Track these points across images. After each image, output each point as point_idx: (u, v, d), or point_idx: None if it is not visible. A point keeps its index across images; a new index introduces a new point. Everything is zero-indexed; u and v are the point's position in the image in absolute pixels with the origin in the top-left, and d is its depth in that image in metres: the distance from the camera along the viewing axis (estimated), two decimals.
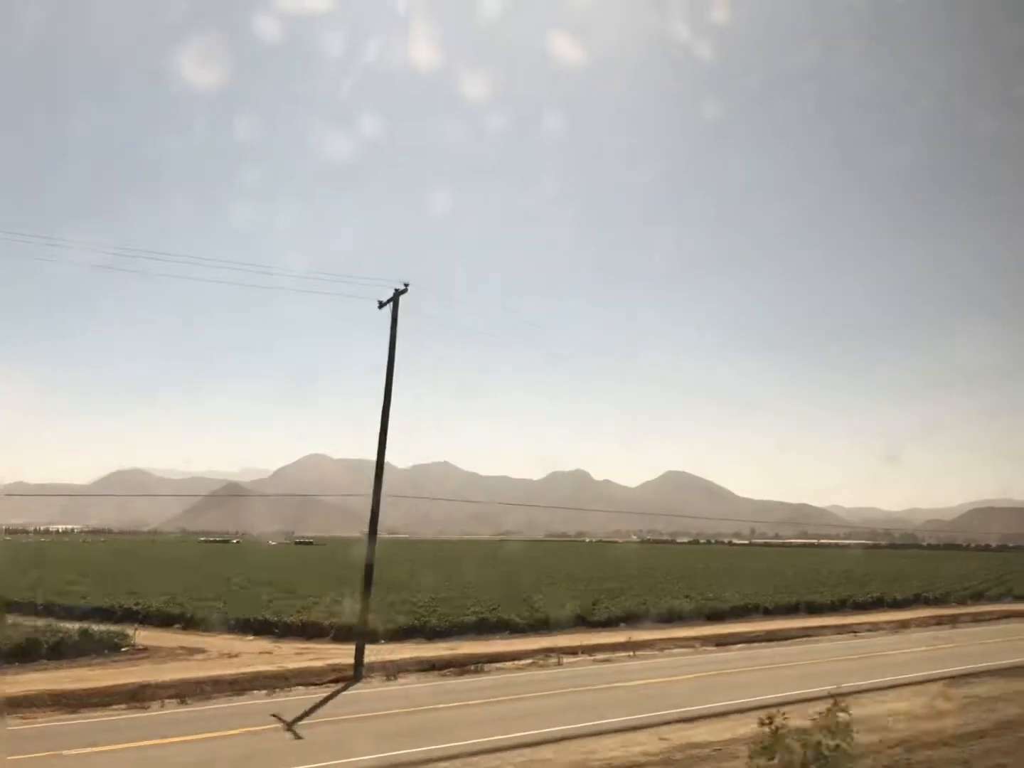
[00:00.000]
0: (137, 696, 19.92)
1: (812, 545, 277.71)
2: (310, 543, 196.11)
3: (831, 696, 10.65)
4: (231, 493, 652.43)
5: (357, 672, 23.28)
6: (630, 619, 36.39)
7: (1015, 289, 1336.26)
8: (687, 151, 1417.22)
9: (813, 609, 43.76)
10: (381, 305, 25.52)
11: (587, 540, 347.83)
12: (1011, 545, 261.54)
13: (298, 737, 16.67)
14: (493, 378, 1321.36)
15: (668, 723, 17.37)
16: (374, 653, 25.13)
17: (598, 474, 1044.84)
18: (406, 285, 25.18)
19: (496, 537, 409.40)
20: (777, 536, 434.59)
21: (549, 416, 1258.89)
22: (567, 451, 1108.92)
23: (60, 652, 25.10)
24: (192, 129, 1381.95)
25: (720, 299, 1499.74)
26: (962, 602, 50.33)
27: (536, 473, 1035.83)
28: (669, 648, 30.37)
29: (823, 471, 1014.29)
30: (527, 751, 15.20)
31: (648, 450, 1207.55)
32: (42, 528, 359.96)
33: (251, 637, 31.30)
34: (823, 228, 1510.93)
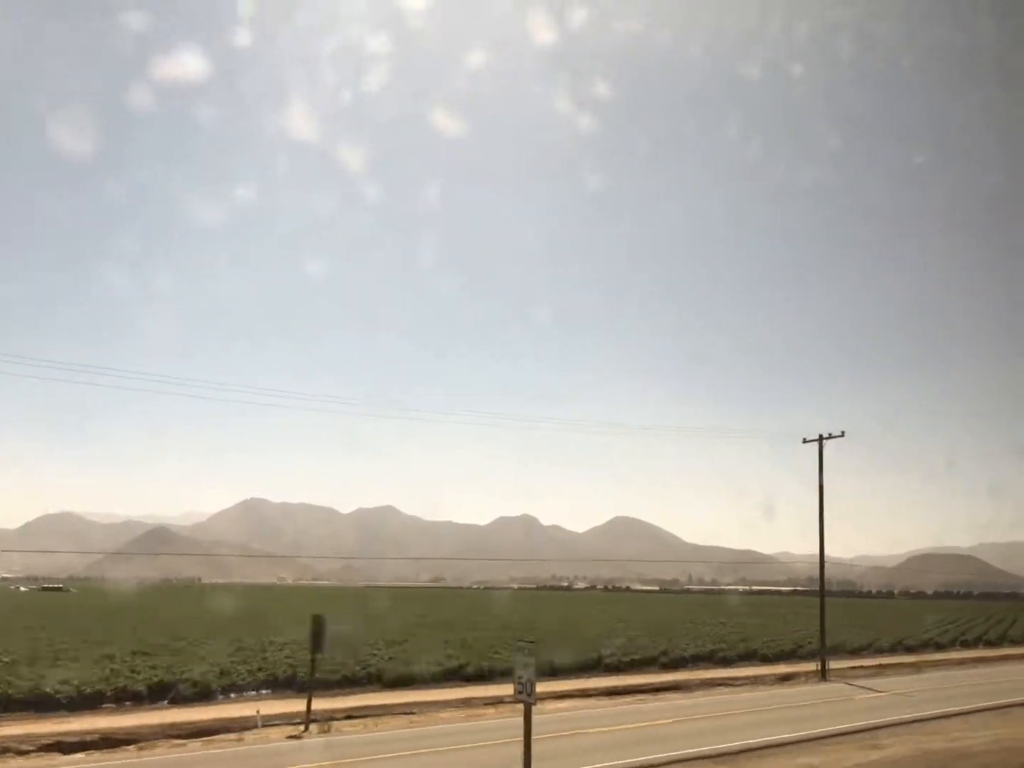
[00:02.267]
0: None
1: (750, 592, 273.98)
2: (59, 588, 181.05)
3: None
4: (160, 538, 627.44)
5: None
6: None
7: (941, 338, 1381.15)
8: (572, 217, 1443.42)
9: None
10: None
11: (514, 588, 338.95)
12: (941, 591, 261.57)
13: None
14: (439, 422, 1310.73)
15: None
16: None
17: (546, 519, 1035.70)
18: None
19: (427, 584, 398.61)
20: (714, 582, 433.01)
21: (496, 460, 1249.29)
22: (514, 496, 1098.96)
23: None
24: (62, 195, 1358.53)
25: (637, 345, 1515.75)
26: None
27: (482, 518, 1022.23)
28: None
29: (771, 518, 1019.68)
30: None
31: (596, 495, 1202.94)
32: None
33: None
34: (711, 286, 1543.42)
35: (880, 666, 42.10)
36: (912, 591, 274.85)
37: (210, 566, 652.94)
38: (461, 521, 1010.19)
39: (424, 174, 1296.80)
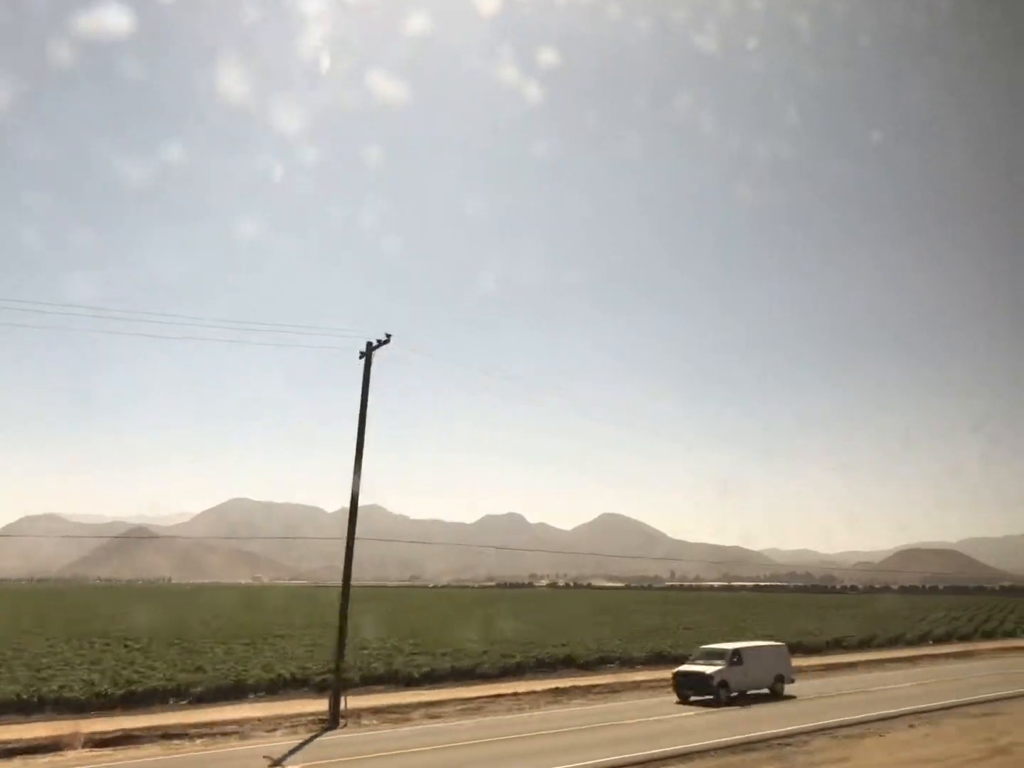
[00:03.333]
0: None
1: (727, 588, 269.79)
2: None
3: None
4: (138, 536, 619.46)
5: None
6: None
7: (938, 336, 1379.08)
8: (519, 185, 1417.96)
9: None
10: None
11: (489, 585, 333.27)
12: (927, 587, 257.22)
13: None
14: (423, 420, 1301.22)
15: None
16: None
17: (533, 517, 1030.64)
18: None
19: (402, 584, 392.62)
20: (698, 578, 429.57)
21: (483, 458, 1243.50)
22: (501, 494, 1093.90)
23: None
24: None
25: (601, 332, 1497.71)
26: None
27: (469, 516, 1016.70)
28: None
29: (759, 514, 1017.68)
30: None
31: (584, 493, 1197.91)
32: None
33: None
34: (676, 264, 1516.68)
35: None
36: (894, 586, 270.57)
37: (188, 566, 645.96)
38: (448, 519, 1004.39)
39: (365, 138, 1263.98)
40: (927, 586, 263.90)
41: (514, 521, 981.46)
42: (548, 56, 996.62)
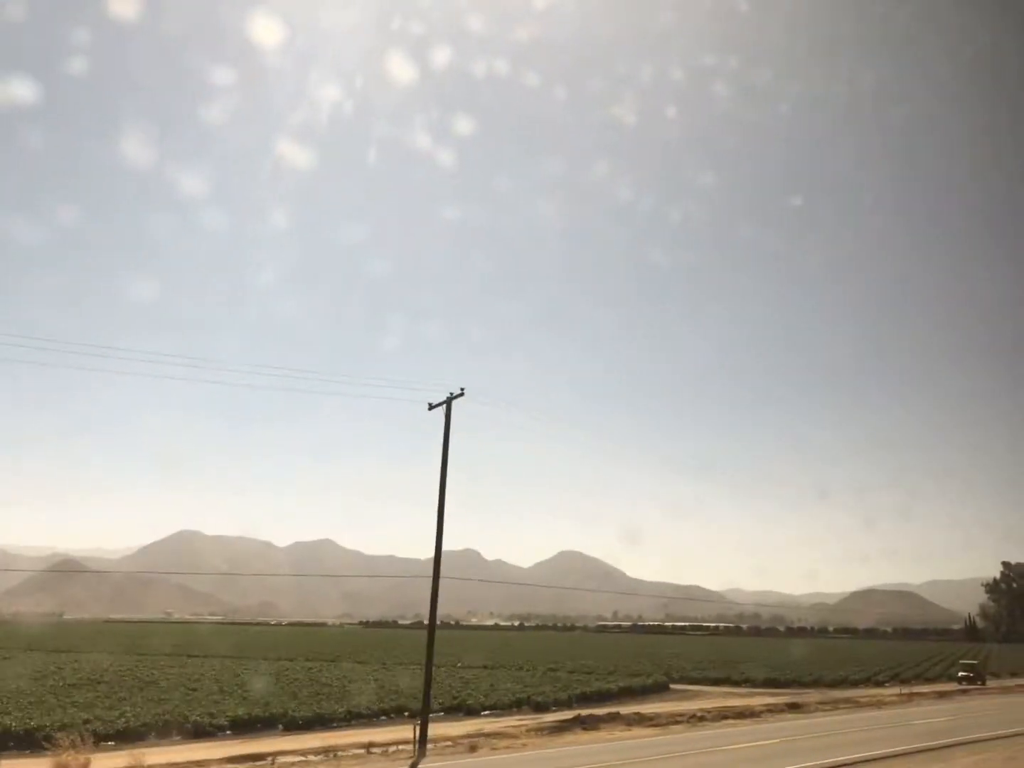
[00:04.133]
0: None
1: (670, 629, 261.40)
2: None
3: None
4: (65, 569, 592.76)
5: None
6: None
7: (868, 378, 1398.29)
8: (426, 248, 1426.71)
9: None
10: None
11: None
12: (879, 629, 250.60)
13: None
14: (377, 452, 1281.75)
15: None
16: None
17: (490, 553, 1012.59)
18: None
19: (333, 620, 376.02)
20: (640, 618, 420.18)
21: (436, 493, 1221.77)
22: (457, 529, 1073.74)
23: None
24: None
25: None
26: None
27: (423, 552, 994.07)
28: None
29: (724, 554, 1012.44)
30: None
31: (542, 529, 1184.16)
32: None
33: None
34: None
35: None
36: (849, 628, 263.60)
37: (122, 600, 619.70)
38: (402, 555, 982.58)
39: (271, 203, 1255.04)
40: (880, 629, 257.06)
41: (470, 557, 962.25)
42: (463, 124, 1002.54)
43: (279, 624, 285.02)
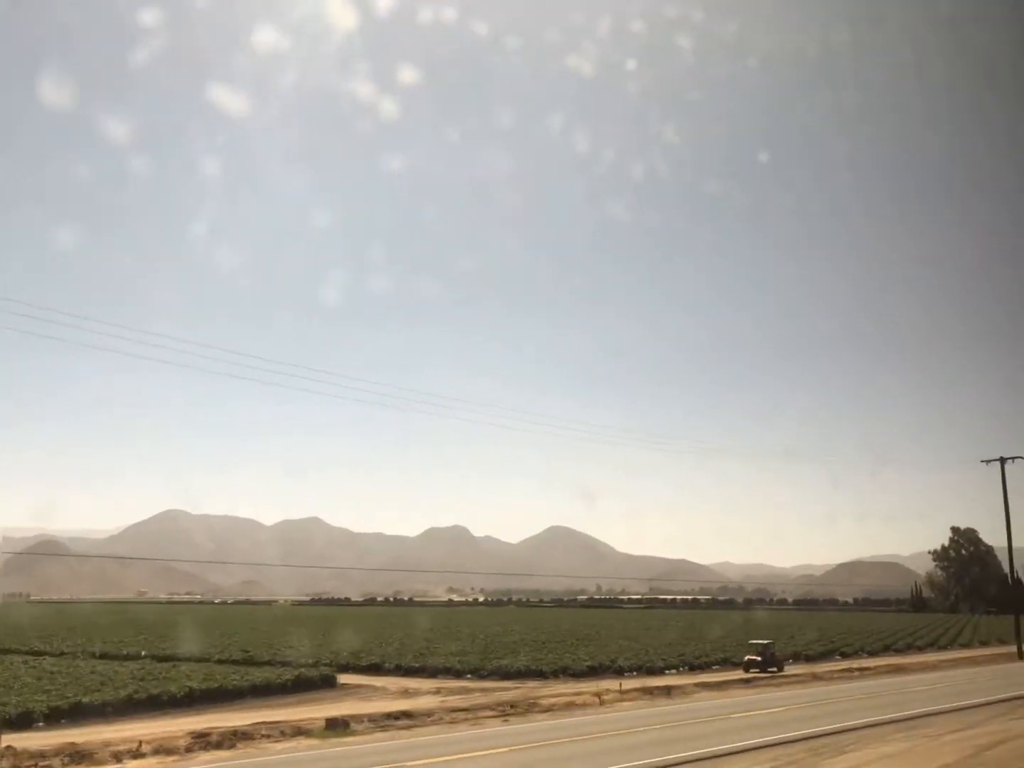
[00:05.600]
0: None
1: (651, 603, 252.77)
2: None
3: None
4: (45, 552, 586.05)
5: None
6: None
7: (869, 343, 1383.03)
8: (371, 200, 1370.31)
9: None
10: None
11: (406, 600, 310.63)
12: (860, 600, 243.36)
13: None
14: (363, 432, 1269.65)
15: None
16: None
17: (478, 530, 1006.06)
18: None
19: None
20: (624, 592, 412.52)
21: (427, 469, 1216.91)
22: (445, 506, 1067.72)
23: None
24: None
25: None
26: None
27: (412, 530, 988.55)
28: None
29: (714, 527, 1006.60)
30: None
31: (531, 505, 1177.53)
32: None
33: None
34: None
35: None
36: (835, 599, 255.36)
37: (103, 581, 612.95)
38: (390, 532, 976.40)
39: (203, 151, 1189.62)
40: (842, 600, 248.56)
41: (459, 534, 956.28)
42: (408, 73, 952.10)
43: (223, 603, 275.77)
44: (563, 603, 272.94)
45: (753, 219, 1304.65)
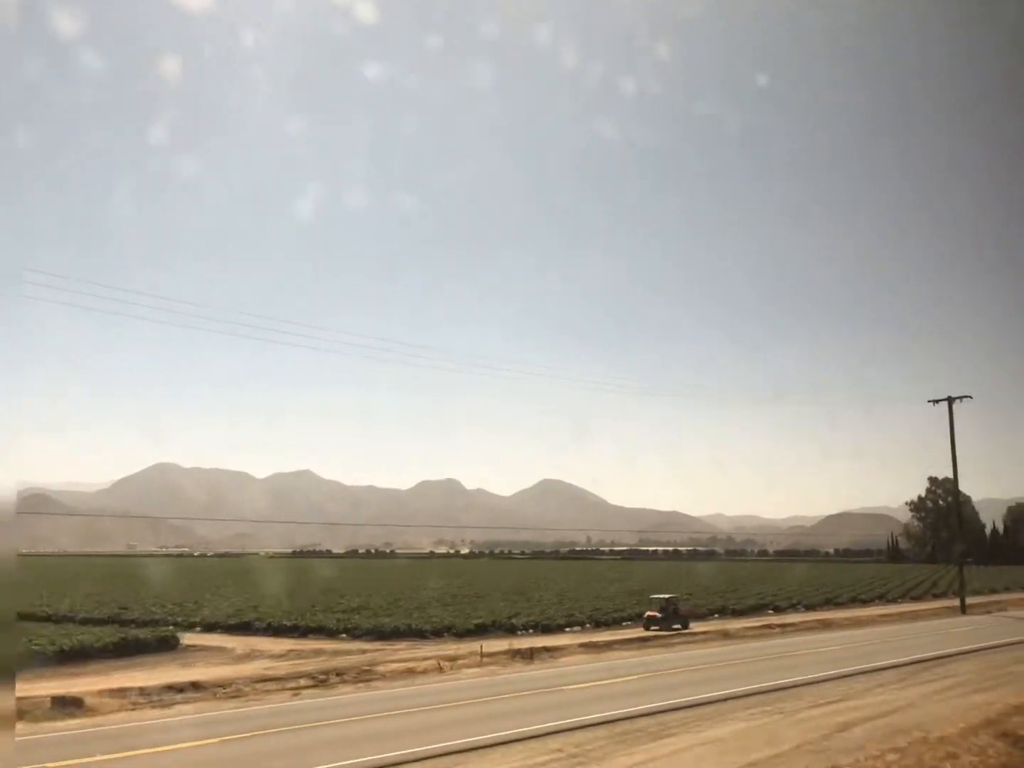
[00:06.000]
0: None
1: (631, 554, 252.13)
2: None
3: None
4: (33, 506, 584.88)
5: None
6: None
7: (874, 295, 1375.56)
8: (348, 109, 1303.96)
9: None
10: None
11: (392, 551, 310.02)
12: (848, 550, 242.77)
13: None
14: (355, 384, 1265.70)
15: None
16: None
17: (470, 483, 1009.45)
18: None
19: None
20: (613, 543, 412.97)
21: (419, 422, 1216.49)
22: (438, 459, 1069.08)
23: None
24: None
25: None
26: None
27: (405, 482, 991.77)
28: None
29: (707, 480, 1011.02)
30: None
31: (524, 458, 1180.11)
32: None
33: None
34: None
35: None
36: (816, 551, 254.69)
37: (93, 535, 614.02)
38: (382, 485, 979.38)
39: (163, 50, 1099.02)
40: (822, 551, 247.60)
41: (451, 486, 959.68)
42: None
43: (202, 556, 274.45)
44: (544, 555, 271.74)
45: (747, 143, 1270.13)
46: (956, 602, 53.54)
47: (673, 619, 37.70)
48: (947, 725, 18.63)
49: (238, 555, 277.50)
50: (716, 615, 47.03)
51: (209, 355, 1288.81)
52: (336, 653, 31.10)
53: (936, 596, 63.83)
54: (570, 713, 18.94)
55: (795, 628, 41.12)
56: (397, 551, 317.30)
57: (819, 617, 45.34)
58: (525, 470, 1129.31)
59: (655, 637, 35.65)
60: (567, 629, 39.42)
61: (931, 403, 50.07)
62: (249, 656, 31.08)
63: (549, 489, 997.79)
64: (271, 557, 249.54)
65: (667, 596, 39.69)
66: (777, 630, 40.27)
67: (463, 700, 21.17)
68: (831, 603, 55.06)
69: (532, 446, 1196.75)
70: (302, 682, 24.80)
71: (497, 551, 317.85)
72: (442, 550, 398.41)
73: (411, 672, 26.43)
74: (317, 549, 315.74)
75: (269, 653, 31.69)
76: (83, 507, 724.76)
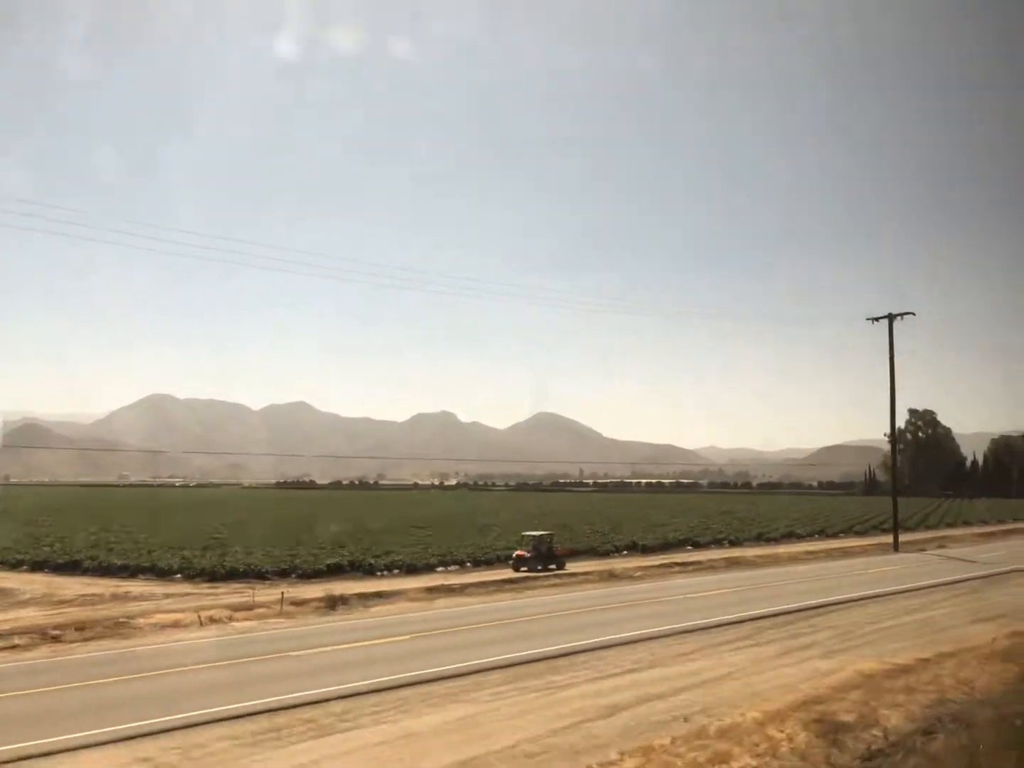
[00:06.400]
0: None
1: (603, 487, 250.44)
2: None
3: None
4: (28, 436, 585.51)
5: None
6: None
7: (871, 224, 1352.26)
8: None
9: None
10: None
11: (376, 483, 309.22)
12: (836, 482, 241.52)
13: None
14: (352, 317, 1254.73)
15: None
16: None
17: (466, 416, 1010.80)
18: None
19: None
20: (607, 476, 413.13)
21: (415, 355, 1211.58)
22: (433, 392, 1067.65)
23: None
24: None
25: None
26: None
27: (400, 415, 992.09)
28: None
29: (701, 413, 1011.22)
30: None
31: (519, 391, 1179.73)
32: None
33: None
34: None
35: None
36: (800, 483, 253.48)
37: (84, 464, 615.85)
38: (378, 418, 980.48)
39: None
40: (807, 483, 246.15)
41: (447, 419, 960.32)
42: None
43: (184, 486, 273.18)
44: (527, 487, 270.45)
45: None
46: (900, 537, 49.66)
47: (546, 559, 33.50)
48: (753, 706, 14.27)
49: (216, 486, 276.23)
50: (625, 551, 43.01)
51: (205, 286, 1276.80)
52: (119, 599, 26.90)
53: (885, 531, 59.87)
54: (251, 694, 14.65)
55: (697, 567, 37.04)
56: (381, 483, 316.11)
57: (731, 554, 41.27)
58: (520, 404, 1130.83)
59: (521, 579, 31.47)
60: (439, 569, 35.33)
61: (870, 320, 45.00)
62: (27, 602, 26.89)
63: (544, 422, 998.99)
64: (246, 488, 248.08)
65: (540, 533, 35.41)
66: (676, 570, 36.17)
67: (160, 669, 16.90)
68: (763, 538, 51.07)
69: (527, 380, 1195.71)
70: (27, 639, 20.52)
71: (481, 483, 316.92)
72: (431, 483, 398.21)
73: (176, 626, 22.17)
74: (300, 480, 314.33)
75: (58, 598, 27.53)
76: (79, 438, 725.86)
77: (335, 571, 33.51)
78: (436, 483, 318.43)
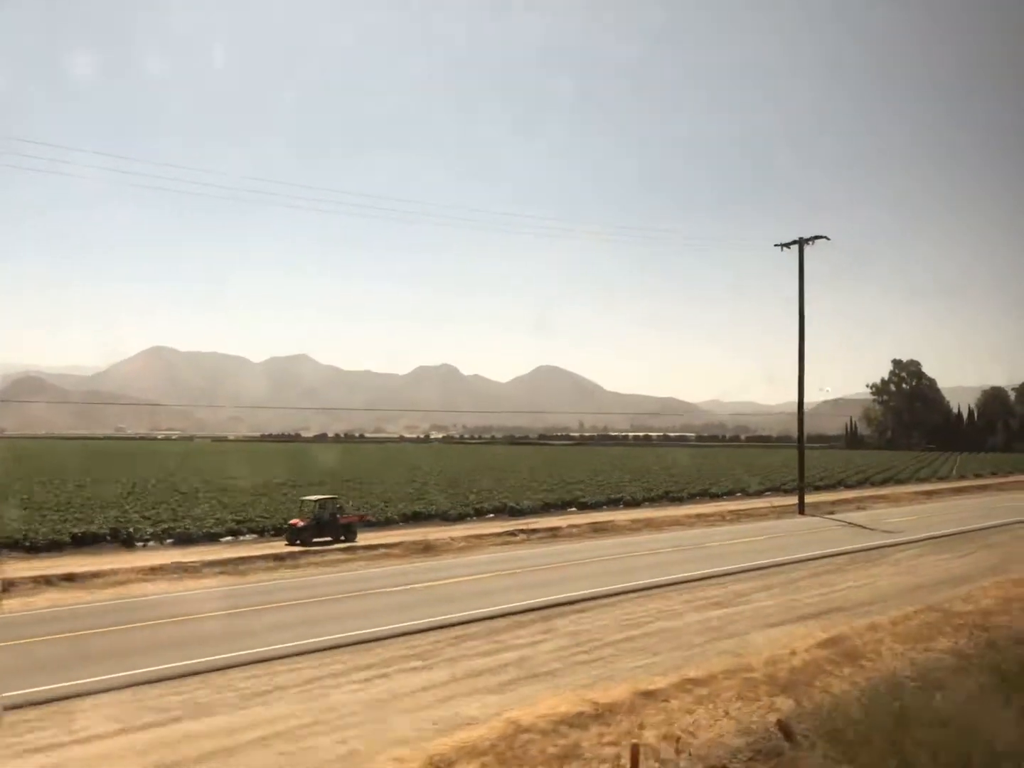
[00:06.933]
0: None
1: (586, 440, 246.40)
2: None
3: None
4: (27, 388, 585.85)
5: None
6: None
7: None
8: None
9: None
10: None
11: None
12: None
13: None
14: (350, 269, 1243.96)
15: None
16: None
17: (467, 369, 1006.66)
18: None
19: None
20: (607, 429, 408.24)
21: (415, 308, 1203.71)
22: (435, 345, 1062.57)
23: None
24: None
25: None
26: None
27: (401, 368, 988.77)
28: None
29: (707, 367, 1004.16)
30: None
31: (521, 344, 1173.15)
32: None
33: None
34: None
35: None
36: (789, 437, 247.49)
37: (83, 417, 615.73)
38: (379, 371, 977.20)
39: None
40: (815, 436, 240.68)
41: (448, 373, 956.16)
42: None
43: (167, 439, 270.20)
44: (516, 440, 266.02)
45: None
46: (814, 498, 44.28)
47: (330, 528, 27.83)
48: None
49: (211, 439, 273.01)
50: (492, 514, 37.59)
51: (207, 236, 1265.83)
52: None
53: (819, 488, 54.39)
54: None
55: (554, 535, 31.55)
56: (365, 435, 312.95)
57: (602, 519, 35.66)
58: (522, 357, 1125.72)
59: (295, 554, 25.86)
60: (242, 537, 29.91)
61: (779, 247, 38.81)
62: None
63: (545, 376, 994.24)
64: (233, 441, 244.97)
65: (322, 497, 29.62)
66: (520, 539, 30.64)
67: None
68: (667, 498, 45.50)
69: (529, 333, 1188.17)
70: None
71: (476, 437, 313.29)
72: (407, 434, 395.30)
73: None
74: (289, 433, 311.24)
75: None
76: (79, 390, 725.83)
77: (92, 540, 28.00)
78: (423, 436, 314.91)
